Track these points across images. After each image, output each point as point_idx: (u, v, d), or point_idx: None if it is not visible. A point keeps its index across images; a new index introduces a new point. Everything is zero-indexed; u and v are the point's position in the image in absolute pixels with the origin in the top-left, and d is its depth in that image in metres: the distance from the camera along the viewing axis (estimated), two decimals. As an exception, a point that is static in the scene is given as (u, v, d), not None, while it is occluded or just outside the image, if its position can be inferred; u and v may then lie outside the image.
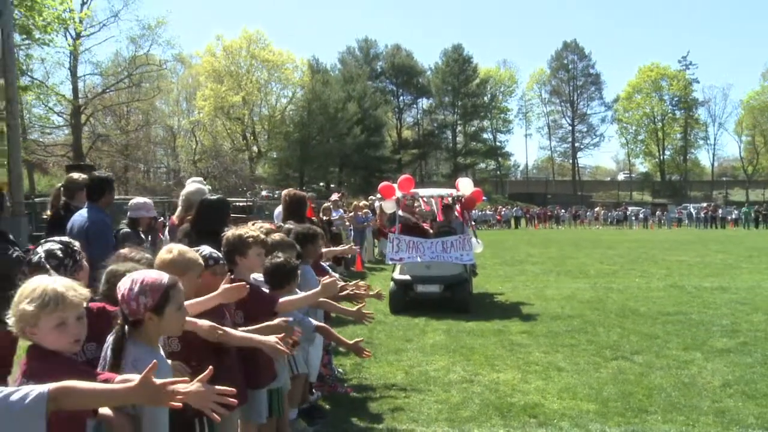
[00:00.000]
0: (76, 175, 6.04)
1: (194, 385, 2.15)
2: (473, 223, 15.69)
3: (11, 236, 5.28)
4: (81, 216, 5.49)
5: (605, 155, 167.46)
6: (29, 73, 27.44)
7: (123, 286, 2.67)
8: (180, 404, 2.11)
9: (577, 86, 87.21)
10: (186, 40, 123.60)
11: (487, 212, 52.15)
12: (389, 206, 12.59)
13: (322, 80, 63.15)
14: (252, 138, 62.33)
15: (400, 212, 12.11)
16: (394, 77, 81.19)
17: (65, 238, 3.29)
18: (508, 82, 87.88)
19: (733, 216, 53.21)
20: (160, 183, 56.21)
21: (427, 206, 14.36)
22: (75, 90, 40.47)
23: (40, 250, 3.11)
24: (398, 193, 12.01)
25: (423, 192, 13.89)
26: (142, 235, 6.79)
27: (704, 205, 57.14)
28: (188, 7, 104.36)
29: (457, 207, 12.67)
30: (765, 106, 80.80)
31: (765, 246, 26.52)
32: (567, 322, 9.85)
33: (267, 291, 4.28)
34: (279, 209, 12.88)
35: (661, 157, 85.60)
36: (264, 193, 51.39)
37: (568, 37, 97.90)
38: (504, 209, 56.98)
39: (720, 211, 54.11)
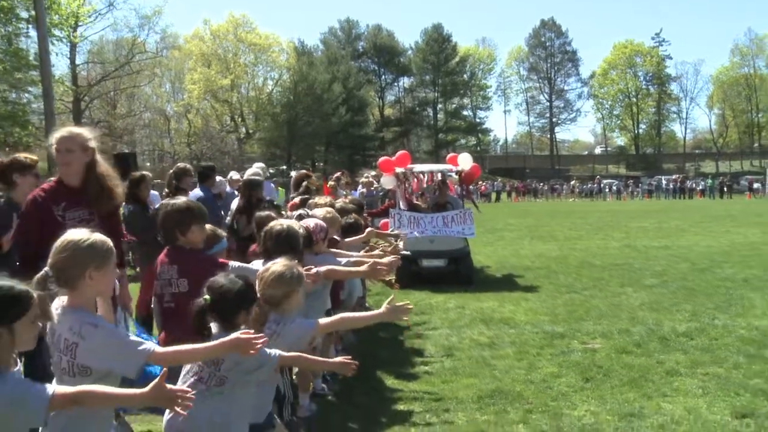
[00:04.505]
0: (182, 165, 8.47)
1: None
2: (474, 197, 16.69)
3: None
4: (195, 195, 7.96)
5: (583, 129, 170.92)
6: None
7: (310, 224, 5.03)
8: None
9: (554, 63, 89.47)
10: (172, 24, 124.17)
11: (470, 187, 54.58)
12: (388, 181, 13.12)
13: (307, 62, 65.20)
14: (240, 119, 64.30)
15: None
16: (375, 57, 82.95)
17: None
18: (486, 60, 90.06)
19: (701, 187, 56.37)
20: (156, 167, 58.15)
21: (430, 181, 14.30)
22: (74, 78, 42.38)
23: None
24: (398, 169, 12.38)
25: (420, 168, 13.93)
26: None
27: (674, 177, 60.14)
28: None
29: (449, 182, 13.69)
30: (734, 80, 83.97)
31: (719, 214, 29.39)
32: (535, 272, 12.51)
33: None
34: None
35: (636, 131, 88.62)
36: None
37: (546, 15, 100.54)
38: (485, 184, 59.53)
39: (688, 182, 57.32)
